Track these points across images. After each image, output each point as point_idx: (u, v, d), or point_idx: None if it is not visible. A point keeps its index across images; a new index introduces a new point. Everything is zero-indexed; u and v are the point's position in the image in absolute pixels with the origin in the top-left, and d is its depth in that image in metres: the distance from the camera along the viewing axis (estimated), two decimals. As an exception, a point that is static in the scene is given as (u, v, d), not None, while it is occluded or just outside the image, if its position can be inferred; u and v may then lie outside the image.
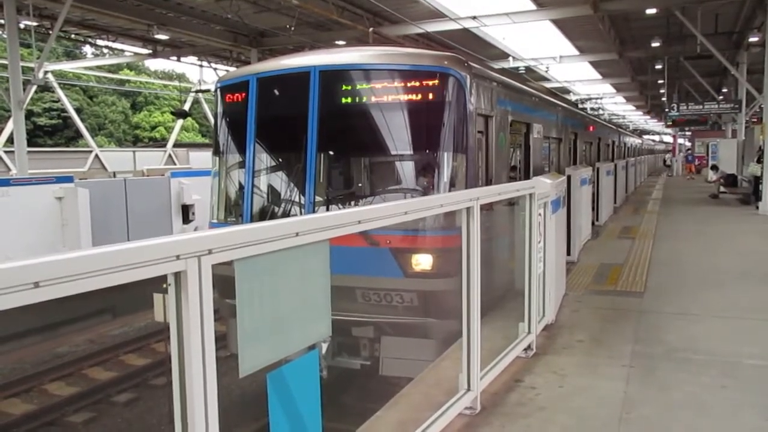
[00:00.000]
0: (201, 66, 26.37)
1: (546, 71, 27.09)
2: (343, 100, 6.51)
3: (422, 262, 6.13)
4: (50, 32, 16.71)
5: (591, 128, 17.76)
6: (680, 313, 6.56)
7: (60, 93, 27.47)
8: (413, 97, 6.35)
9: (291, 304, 2.46)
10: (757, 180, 16.96)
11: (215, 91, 7.73)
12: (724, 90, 30.93)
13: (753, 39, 18.62)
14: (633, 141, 37.85)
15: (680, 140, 52.29)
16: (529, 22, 18.00)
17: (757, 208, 15.60)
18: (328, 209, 6.50)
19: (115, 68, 44.18)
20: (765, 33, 16.15)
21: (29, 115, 36.30)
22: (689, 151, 35.94)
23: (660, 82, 29.37)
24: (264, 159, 7.05)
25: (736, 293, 7.42)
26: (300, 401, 2.45)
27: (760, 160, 17.21)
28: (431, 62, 6.56)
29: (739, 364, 4.99)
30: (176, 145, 31.29)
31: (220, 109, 7.56)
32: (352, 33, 18.16)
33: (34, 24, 17.16)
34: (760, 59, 17.18)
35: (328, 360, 6.26)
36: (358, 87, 6.49)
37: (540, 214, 5.41)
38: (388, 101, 6.42)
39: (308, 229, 2.43)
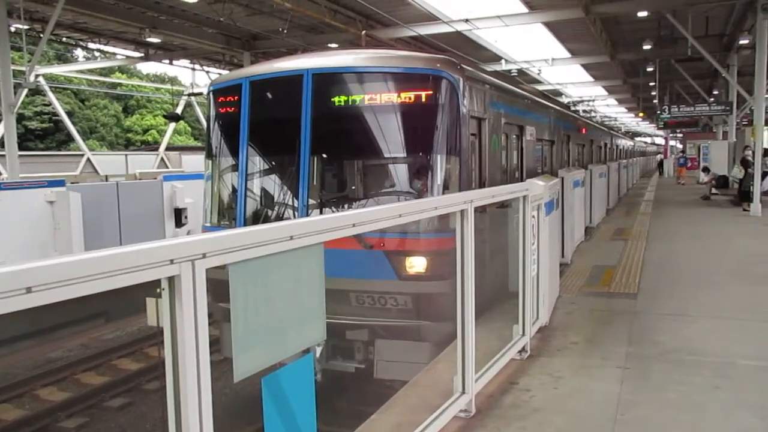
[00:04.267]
0: (193, 69, 26.36)
1: (538, 74, 27.19)
2: (337, 103, 6.49)
3: (416, 264, 6.12)
4: (41, 35, 16.64)
5: (583, 130, 17.82)
6: (674, 314, 6.58)
7: (51, 96, 27.36)
8: (406, 99, 6.34)
9: (285, 308, 2.45)
10: (741, 183, 17.07)
11: (208, 94, 7.71)
12: (715, 92, 31.13)
13: (743, 41, 18.78)
14: (625, 143, 38.00)
15: (672, 142, 52.55)
16: (521, 25, 18.07)
17: (745, 210, 15.69)
18: (321, 212, 6.49)
19: (107, 71, 44.06)
20: (755, 35, 16.25)
21: (20, 118, 36.08)
22: (682, 154, 36.03)
23: (652, 84, 29.55)
24: (257, 162, 7.03)
25: (728, 294, 7.45)
26: (295, 405, 2.45)
27: (743, 163, 17.33)
28: (424, 65, 6.56)
29: (732, 364, 5.01)
30: (168, 148, 31.26)
31: (212, 113, 7.54)
32: (344, 36, 18.18)
33: (25, 27, 17.09)
34: (751, 61, 17.30)
35: (323, 363, 6.24)
36: (352, 90, 6.48)
37: (533, 217, 5.42)
38: (381, 104, 6.41)
39: (302, 232, 2.43)
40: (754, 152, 15.77)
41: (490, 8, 16.91)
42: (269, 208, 6.92)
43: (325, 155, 6.81)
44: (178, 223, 15.83)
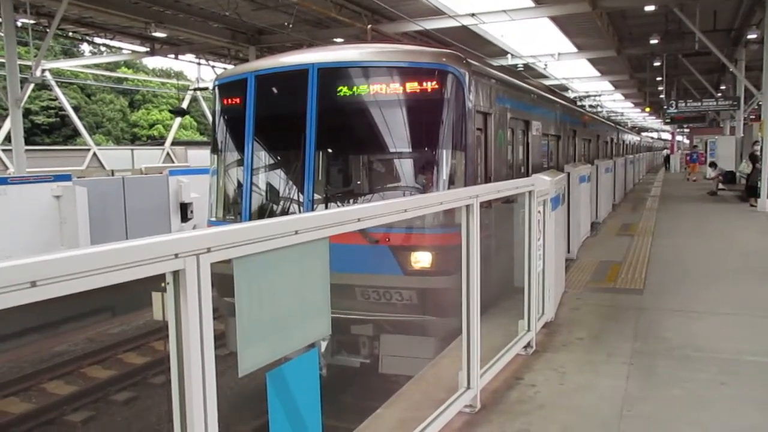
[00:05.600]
0: (199, 64, 26.32)
1: (544, 68, 27.06)
2: (342, 98, 6.48)
3: (422, 259, 6.11)
4: (47, 30, 16.66)
5: (589, 125, 17.75)
6: (680, 310, 6.56)
7: (57, 91, 27.40)
8: (412, 94, 6.32)
9: (290, 303, 2.44)
10: (748, 178, 16.99)
11: (213, 88, 7.70)
12: (723, 87, 30.92)
13: (751, 36, 18.62)
14: (631, 138, 37.85)
15: (678, 137, 52.28)
16: (528, 20, 17.99)
17: (752, 205, 15.61)
18: (327, 207, 6.48)
19: (113, 66, 44.01)
20: (763, 30, 16.13)
21: (27, 113, 36.20)
22: (694, 148, 35.77)
23: (658, 79, 29.33)
24: (262, 157, 7.03)
25: (735, 290, 7.42)
26: (299, 400, 2.44)
27: (751, 158, 17.23)
28: (430, 59, 6.53)
29: (738, 360, 4.99)
30: (174, 143, 31.23)
31: (218, 107, 7.54)
32: (350, 30, 18.13)
33: (32, 22, 17.14)
34: (759, 56, 17.18)
35: (328, 358, 6.25)
36: (357, 84, 6.46)
37: (539, 212, 5.40)
38: (387, 99, 6.39)
39: (307, 227, 2.42)
40: (762, 147, 15.68)
41: (496, 3, 16.84)
42: (274, 202, 6.92)
43: (330, 150, 6.81)
44: (184, 217, 15.87)
